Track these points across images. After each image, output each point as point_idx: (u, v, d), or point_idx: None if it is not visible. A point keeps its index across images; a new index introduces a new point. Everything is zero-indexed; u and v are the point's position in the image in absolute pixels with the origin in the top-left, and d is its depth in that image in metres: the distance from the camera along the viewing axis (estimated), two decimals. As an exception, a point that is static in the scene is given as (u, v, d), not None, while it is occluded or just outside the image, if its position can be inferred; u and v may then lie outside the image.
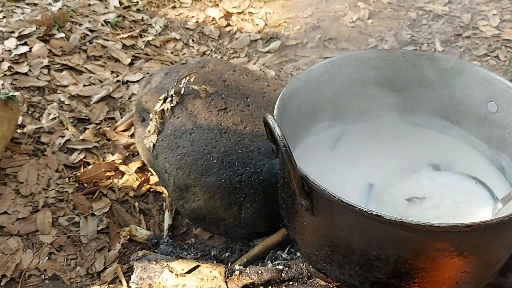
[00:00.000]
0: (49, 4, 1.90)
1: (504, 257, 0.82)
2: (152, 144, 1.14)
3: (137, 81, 1.61)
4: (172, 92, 1.14)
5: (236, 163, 1.04)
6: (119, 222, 1.17)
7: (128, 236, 1.13)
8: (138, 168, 1.31)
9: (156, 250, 1.11)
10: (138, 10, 2.00)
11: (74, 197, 1.20)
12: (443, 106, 1.06)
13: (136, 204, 1.22)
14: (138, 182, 1.27)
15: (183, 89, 1.13)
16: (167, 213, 1.20)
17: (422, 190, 0.90)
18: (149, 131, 1.16)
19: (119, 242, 1.12)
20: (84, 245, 1.11)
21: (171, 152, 1.09)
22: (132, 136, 1.41)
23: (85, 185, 1.24)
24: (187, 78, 1.13)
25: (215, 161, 1.04)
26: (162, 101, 1.15)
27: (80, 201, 1.19)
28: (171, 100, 1.14)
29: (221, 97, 1.15)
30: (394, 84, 1.04)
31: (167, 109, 1.13)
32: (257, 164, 1.05)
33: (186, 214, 1.11)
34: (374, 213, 0.69)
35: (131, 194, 1.25)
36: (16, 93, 1.26)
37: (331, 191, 0.72)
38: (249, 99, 1.17)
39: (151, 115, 1.17)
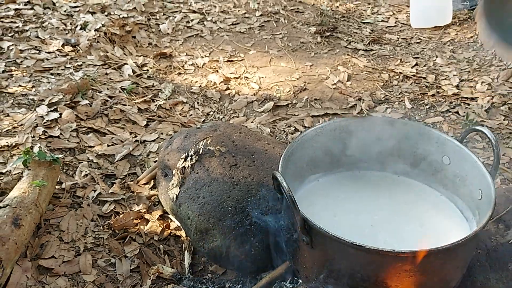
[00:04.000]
0: (71, 73, 2.18)
1: (457, 277, 1.07)
2: (175, 195, 1.39)
3: (153, 141, 1.87)
4: (192, 152, 1.40)
5: (247, 209, 1.29)
6: (148, 262, 1.40)
7: (156, 274, 1.35)
8: (159, 216, 1.54)
9: (180, 285, 1.33)
10: (149, 77, 2.29)
11: (109, 242, 1.43)
12: (411, 159, 1.33)
13: (161, 246, 1.45)
14: (160, 228, 1.50)
15: (201, 149, 1.39)
16: (186, 254, 1.43)
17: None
18: (173, 184, 1.41)
19: (149, 279, 1.34)
20: (120, 282, 1.32)
21: (192, 201, 1.33)
22: (152, 188, 1.65)
23: (117, 231, 1.46)
24: (204, 140, 1.40)
25: (230, 208, 1.29)
26: (183, 159, 1.41)
27: (114, 245, 1.42)
28: (191, 159, 1.40)
29: (232, 155, 1.41)
30: (370, 143, 1.32)
31: (188, 166, 1.39)
32: (264, 209, 1.30)
33: (205, 253, 1.35)
34: (357, 243, 0.94)
35: (156, 238, 1.48)
36: (60, 156, 1.50)
37: (326, 228, 0.97)
38: (254, 156, 1.44)
39: (173, 171, 1.42)
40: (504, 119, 2.01)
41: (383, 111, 2.11)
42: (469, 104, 2.13)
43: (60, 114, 1.87)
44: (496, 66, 2.38)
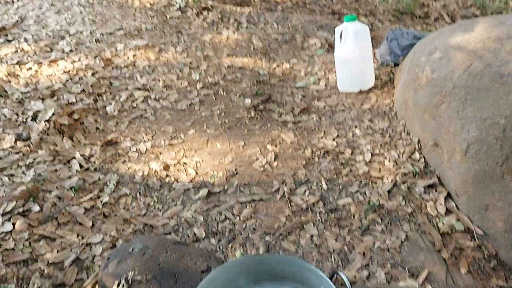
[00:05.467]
0: (23, 172, 2.42)
1: None
2: (112, 316, 1.67)
3: (98, 243, 2.14)
4: (123, 281, 1.68)
5: (168, 331, 1.59)
6: None
7: None
8: (102, 324, 1.82)
9: None
10: (95, 169, 2.55)
11: None
12: (302, 283, 1.64)
13: None
14: (103, 337, 1.79)
15: (130, 280, 1.68)
16: None
17: None
18: (109, 306, 1.69)
19: None
20: None
21: (124, 325, 1.62)
22: (97, 294, 1.93)
23: None
24: (132, 271, 1.68)
25: (154, 332, 1.58)
26: (116, 285, 1.69)
27: None
28: (123, 286, 1.68)
29: (157, 279, 1.70)
30: (268, 273, 1.63)
31: (120, 292, 1.67)
32: (182, 330, 1.60)
33: None
34: None
35: None
36: (11, 286, 1.76)
37: None
38: (177, 276, 1.73)
39: (110, 295, 1.70)
40: (402, 199, 2.35)
41: (302, 193, 2.42)
42: (375, 183, 2.46)
43: (13, 224, 2.12)
44: (404, 139, 2.72)
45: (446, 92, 2.31)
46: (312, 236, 2.19)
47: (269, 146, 2.74)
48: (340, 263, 2.07)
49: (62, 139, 2.69)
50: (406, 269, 2.03)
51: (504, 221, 2.07)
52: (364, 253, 2.10)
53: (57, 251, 2.08)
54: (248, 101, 3.10)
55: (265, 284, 1.67)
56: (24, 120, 2.77)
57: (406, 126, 2.82)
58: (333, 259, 2.09)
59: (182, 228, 2.25)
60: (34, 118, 2.76)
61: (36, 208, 2.22)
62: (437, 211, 2.27)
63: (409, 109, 2.76)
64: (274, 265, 1.63)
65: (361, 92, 3.26)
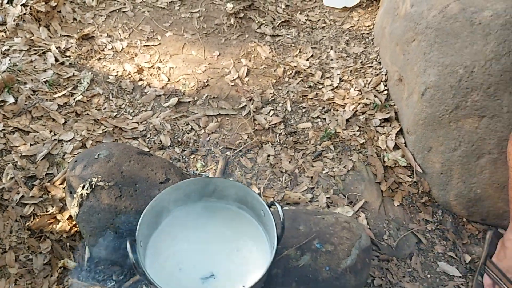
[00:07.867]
0: (-2, 61, 2.48)
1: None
2: (76, 213, 1.89)
3: (69, 140, 2.29)
4: (87, 185, 1.87)
5: (124, 233, 1.82)
6: (57, 257, 1.95)
7: (63, 267, 1.91)
8: (69, 216, 2.06)
9: (79, 275, 1.91)
10: (70, 64, 2.60)
11: (28, 240, 1.95)
12: (245, 203, 1.85)
13: (68, 243, 1.99)
14: (69, 227, 2.03)
15: (93, 184, 1.87)
16: (87, 249, 1.98)
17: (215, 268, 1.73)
18: (74, 204, 1.90)
19: (57, 271, 1.90)
20: (36, 274, 1.89)
21: (87, 224, 1.85)
22: (65, 188, 2.13)
23: (35, 231, 1.99)
24: (96, 178, 1.86)
25: (112, 232, 1.82)
26: (81, 188, 1.89)
27: (32, 243, 1.95)
28: (87, 189, 1.87)
29: (118, 187, 1.89)
30: (216, 190, 1.83)
31: (84, 194, 1.87)
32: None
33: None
34: (173, 292, 1.51)
35: (65, 235, 2.01)
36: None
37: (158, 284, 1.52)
38: (137, 185, 1.93)
39: (74, 195, 1.90)
40: (358, 130, 2.50)
41: (267, 113, 2.55)
42: (337, 110, 2.59)
43: (-12, 115, 2.24)
44: (374, 68, 2.79)
45: (419, 30, 2.34)
46: (269, 155, 2.38)
47: (243, 60, 2.79)
48: (289, 184, 2.29)
49: (39, 28, 2.68)
50: (346, 196, 2.26)
51: (442, 164, 2.27)
52: (312, 177, 2.31)
53: (30, 145, 2.24)
54: (230, 5, 3.05)
55: (213, 201, 1.89)
56: (1, 2, 2.72)
57: (379, 55, 2.87)
58: (284, 179, 2.30)
59: (150, 134, 2.40)
60: (10, 1, 2.71)
61: (11, 99, 2.32)
62: (387, 145, 2.45)
63: (385, 38, 2.78)
64: (222, 187, 1.81)
65: (345, 8, 3.22)
